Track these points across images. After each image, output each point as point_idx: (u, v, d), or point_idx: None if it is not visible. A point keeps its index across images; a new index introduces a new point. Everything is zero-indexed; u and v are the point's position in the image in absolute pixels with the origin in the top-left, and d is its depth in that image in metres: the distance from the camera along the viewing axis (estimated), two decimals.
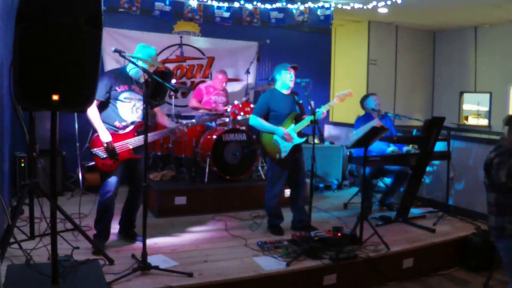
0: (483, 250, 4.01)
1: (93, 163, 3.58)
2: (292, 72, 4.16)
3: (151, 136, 3.68)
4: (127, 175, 3.70)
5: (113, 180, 3.51)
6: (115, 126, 3.54)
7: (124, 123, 3.56)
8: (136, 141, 3.56)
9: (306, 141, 4.22)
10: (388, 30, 9.21)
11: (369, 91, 8.69)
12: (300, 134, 4.22)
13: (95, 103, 3.40)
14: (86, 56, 2.35)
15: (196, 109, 5.89)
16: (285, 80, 4.17)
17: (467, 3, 7.13)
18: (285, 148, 4.10)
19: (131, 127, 3.58)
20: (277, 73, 4.22)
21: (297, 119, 4.19)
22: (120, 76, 3.57)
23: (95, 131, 3.51)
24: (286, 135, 4.07)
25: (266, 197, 4.26)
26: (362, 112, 5.21)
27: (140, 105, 3.61)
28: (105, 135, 3.43)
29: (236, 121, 5.47)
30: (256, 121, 4.19)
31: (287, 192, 4.64)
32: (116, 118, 3.54)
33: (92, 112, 3.42)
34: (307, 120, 4.12)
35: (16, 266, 2.91)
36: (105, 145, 3.43)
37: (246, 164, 5.25)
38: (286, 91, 4.23)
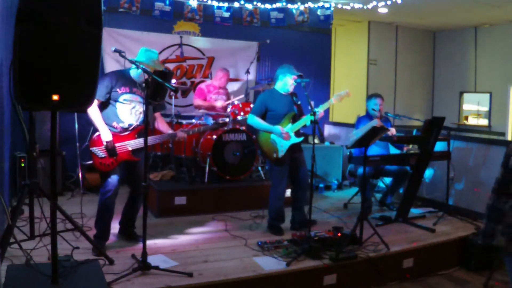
0: (483, 250, 4.01)
1: (90, 162, 3.58)
2: (295, 80, 4.17)
3: (151, 139, 3.67)
4: (127, 176, 3.71)
5: (114, 179, 3.51)
6: (113, 127, 3.54)
7: (121, 124, 3.56)
8: (136, 143, 3.57)
9: (306, 141, 4.23)
10: (388, 30, 9.22)
11: (369, 91, 8.71)
12: (298, 133, 4.22)
13: (96, 102, 3.41)
14: (86, 56, 2.35)
15: (200, 108, 5.85)
16: (287, 83, 4.18)
17: (467, 3, 7.14)
18: (282, 147, 4.10)
19: (131, 129, 3.58)
20: (282, 74, 4.20)
21: (295, 119, 4.19)
22: (122, 78, 3.57)
23: (95, 130, 3.52)
24: (283, 133, 4.07)
25: (271, 199, 4.26)
26: (362, 112, 5.21)
27: (139, 107, 3.60)
28: (106, 134, 3.44)
29: (236, 121, 5.47)
30: (253, 120, 4.20)
31: (288, 192, 4.63)
32: (115, 118, 3.54)
33: (93, 111, 3.42)
34: (305, 119, 4.13)
35: (16, 266, 2.91)
36: (105, 143, 3.43)
37: (246, 164, 5.25)
38: (284, 93, 4.24)
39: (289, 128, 4.15)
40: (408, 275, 3.75)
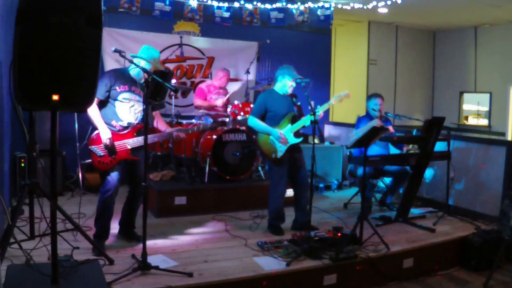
0: (483, 250, 4.01)
1: (89, 160, 3.59)
2: (294, 82, 4.16)
3: (150, 138, 3.67)
4: (126, 175, 3.70)
5: (113, 178, 3.51)
6: (112, 125, 3.54)
7: (120, 123, 3.57)
8: (135, 141, 3.57)
9: (306, 141, 4.22)
10: (388, 30, 9.21)
11: (369, 91, 8.71)
12: (298, 134, 4.22)
13: (95, 101, 3.41)
14: (86, 56, 2.35)
15: (200, 108, 5.85)
16: (286, 85, 4.20)
17: (467, 3, 7.13)
18: (281, 147, 4.11)
19: (130, 128, 3.58)
20: (281, 76, 4.21)
21: (294, 120, 4.19)
22: (121, 76, 3.57)
23: (94, 129, 3.53)
24: (281, 137, 4.07)
25: (270, 198, 4.26)
26: (362, 112, 5.21)
27: (138, 106, 3.60)
28: (105, 133, 3.44)
29: (236, 121, 5.47)
30: (253, 121, 4.22)
31: (289, 192, 4.64)
32: (113, 117, 3.55)
33: (93, 110, 3.43)
34: (304, 120, 4.14)
35: (16, 266, 2.90)
36: (105, 141, 3.43)
37: (246, 164, 5.25)
38: (284, 94, 4.25)
39: (288, 129, 4.15)
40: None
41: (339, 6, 7.22)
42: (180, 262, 3.35)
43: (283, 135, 4.10)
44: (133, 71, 3.62)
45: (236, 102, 5.67)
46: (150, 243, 3.65)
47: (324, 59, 7.77)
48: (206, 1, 6.33)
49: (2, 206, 2.98)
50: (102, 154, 3.47)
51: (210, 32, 6.65)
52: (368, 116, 5.03)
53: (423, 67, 9.76)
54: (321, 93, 7.36)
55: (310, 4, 6.95)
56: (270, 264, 3.38)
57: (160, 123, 3.89)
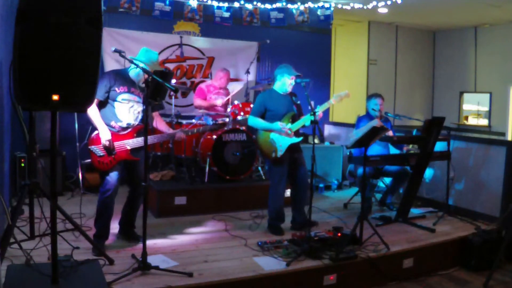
0: (483, 250, 4.01)
1: (89, 160, 3.60)
2: (293, 80, 4.16)
3: (150, 139, 3.67)
4: (126, 175, 3.71)
5: (113, 178, 3.51)
6: (111, 126, 3.54)
7: (120, 124, 3.57)
8: (134, 142, 3.57)
9: (306, 141, 4.22)
10: (388, 30, 9.21)
11: (369, 91, 8.71)
12: (298, 133, 4.22)
13: (94, 102, 3.41)
14: (86, 56, 2.35)
15: (201, 107, 5.85)
16: (285, 84, 4.19)
17: (467, 3, 7.13)
18: (281, 147, 4.10)
19: (130, 128, 3.58)
20: (280, 75, 4.21)
21: (294, 119, 4.19)
22: (120, 77, 3.57)
23: (94, 129, 3.53)
24: (283, 128, 4.06)
25: (270, 199, 4.26)
26: (362, 112, 5.21)
27: (138, 107, 3.60)
28: (105, 133, 3.44)
29: (236, 121, 5.47)
30: (253, 120, 4.21)
31: (289, 192, 4.64)
32: (113, 118, 3.55)
33: (92, 110, 3.43)
34: (304, 119, 4.13)
35: (16, 266, 2.91)
36: (105, 142, 3.43)
37: (246, 164, 5.25)
38: (283, 93, 4.24)
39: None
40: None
41: (339, 6, 7.22)
42: (180, 262, 3.35)
43: (284, 125, 4.08)
44: (133, 72, 3.62)
45: (236, 102, 5.67)
46: (150, 243, 3.65)
47: (324, 59, 7.77)
48: (206, 1, 6.33)
49: (2, 206, 2.98)
50: (101, 154, 3.48)
51: (210, 32, 6.65)
52: (368, 116, 5.04)
53: (423, 67, 9.76)
54: (321, 93, 7.36)
55: (310, 4, 6.95)
56: (270, 264, 3.38)
57: (159, 124, 3.90)
